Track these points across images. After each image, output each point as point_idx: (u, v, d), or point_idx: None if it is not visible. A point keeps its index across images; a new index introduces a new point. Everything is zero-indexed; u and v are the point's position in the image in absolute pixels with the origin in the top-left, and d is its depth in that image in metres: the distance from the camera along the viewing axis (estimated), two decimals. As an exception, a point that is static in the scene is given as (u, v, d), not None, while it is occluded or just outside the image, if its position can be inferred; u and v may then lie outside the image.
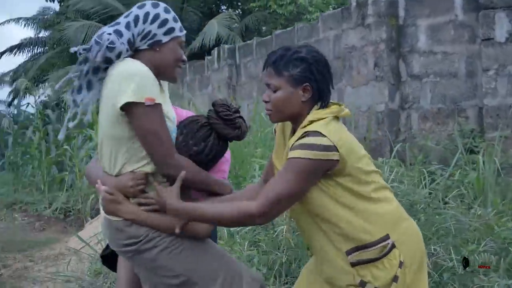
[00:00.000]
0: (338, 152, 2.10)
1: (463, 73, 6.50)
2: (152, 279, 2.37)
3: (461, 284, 3.43)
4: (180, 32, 2.39)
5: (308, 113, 2.22)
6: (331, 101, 2.28)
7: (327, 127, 2.14)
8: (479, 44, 6.36)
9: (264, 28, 18.16)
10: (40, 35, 24.11)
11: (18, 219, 10.32)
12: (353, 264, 2.19)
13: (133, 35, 2.31)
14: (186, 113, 2.61)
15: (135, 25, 2.32)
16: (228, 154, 2.62)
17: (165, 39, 2.35)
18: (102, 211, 2.40)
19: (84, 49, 2.34)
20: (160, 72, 2.33)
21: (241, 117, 2.51)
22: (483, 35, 6.29)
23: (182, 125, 2.44)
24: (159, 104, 2.25)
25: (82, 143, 10.67)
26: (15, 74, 23.80)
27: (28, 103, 15.05)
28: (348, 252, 2.19)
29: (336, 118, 2.22)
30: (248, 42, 9.95)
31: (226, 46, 10.13)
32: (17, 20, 23.48)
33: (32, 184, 13.08)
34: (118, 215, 2.31)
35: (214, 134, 2.44)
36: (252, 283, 2.39)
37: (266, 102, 2.26)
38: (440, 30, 6.65)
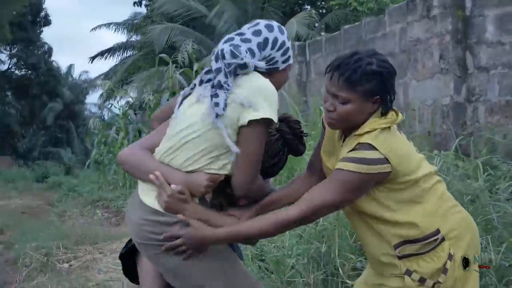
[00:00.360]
0: (390, 163, 2.14)
1: (533, 64, 6.27)
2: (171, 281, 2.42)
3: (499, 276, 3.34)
4: (292, 60, 2.46)
5: (365, 122, 2.25)
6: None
7: (378, 139, 2.17)
8: (550, 33, 6.12)
9: (345, 26, 18.08)
10: (131, 39, 25.09)
11: (99, 215, 10.79)
12: (399, 257, 2.23)
13: (260, 57, 2.34)
14: None
15: (264, 49, 2.34)
16: None
17: (281, 66, 2.40)
18: (142, 200, 2.36)
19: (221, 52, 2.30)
20: None
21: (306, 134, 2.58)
22: (553, 23, 6.05)
23: None
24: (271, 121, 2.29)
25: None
26: (106, 77, 24.81)
27: (111, 104, 15.73)
28: (396, 246, 2.23)
29: (390, 122, 2.24)
30: (317, 38, 9.97)
31: (297, 43, 10.18)
32: (108, 25, 24.50)
33: (115, 182, 13.64)
34: (182, 214, 2.28)
35: (285, 148, 2.50)
36: None
37: (330, 111, 2.25)
38: (508, 20, 6.43)
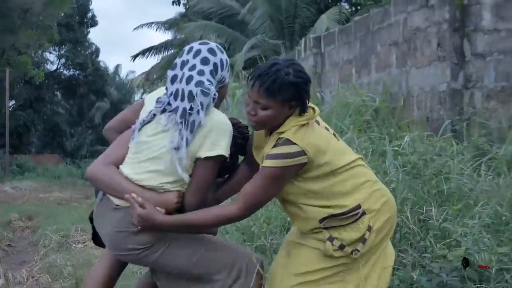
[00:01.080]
0: (307, 155, 2.48)
1: (528, 51, 6.43)
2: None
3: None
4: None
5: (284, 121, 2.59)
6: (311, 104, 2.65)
7: (297, 134, 2.51)
8: (544, 20, 6.27)
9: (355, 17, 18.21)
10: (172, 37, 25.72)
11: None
12: (324, 227, 2.59)
13: (215, 83, 2.68)
14: None
15: (216, 73, 2.66)
16: None
17: (227, 80, 2.78)
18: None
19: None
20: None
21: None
22: (546, 9, 6.20)
23: None
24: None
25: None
26: (148, 76, 25.52)
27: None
28: (321, 221, 2.58)
29: (309, 119, 2.58)
30: (331, 30, 10.22)
31: (312, 36, 10.47)
32: (149, 24, 25.20)
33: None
34: (154, 225, 2.57)
35: (238, 150, 2.88)
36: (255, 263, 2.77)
37: (252, 115, 2.57)
38: (504, 7, 6.61)
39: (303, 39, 10.98)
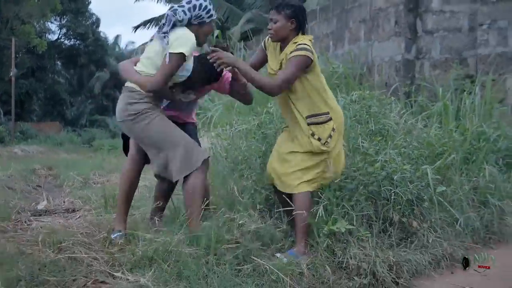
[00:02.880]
0: (313, 56, 4.19)
1: (466, 28, 8.09)
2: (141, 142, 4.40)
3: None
4: (213, 17, 4.38)
5: (292, 38, 4.28)
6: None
7: (307, 42, 4.23)
8: (479, 3, 7.88)
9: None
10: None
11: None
12: (308, 124, 4.31)
13: (191, 16, 4.24)
14: None
15: (194, 10, 4.25)
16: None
17: (207, 20, 4.34)
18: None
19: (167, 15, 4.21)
20: (199, 39, 4.25)
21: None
22: (480, -5, 7.83)
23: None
24: (183, 55, 4.08)
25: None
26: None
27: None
28: (307, 117, 4.31)
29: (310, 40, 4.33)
30: (313, 8, 11.81)
31: (297, 13, 12.06)
32: (151, -4, 26.57)
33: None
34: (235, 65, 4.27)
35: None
36: (204, 152, 4.41)
37: (270, 29, 4.30)
38: (449, -8, 8.24)
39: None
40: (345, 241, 4.41)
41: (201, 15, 4.30)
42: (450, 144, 5.87)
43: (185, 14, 4.25)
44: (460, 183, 5.51)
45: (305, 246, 4.31)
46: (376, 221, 4.67)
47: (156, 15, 24.25)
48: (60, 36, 40.07)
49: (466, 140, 6.10)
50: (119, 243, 4.38)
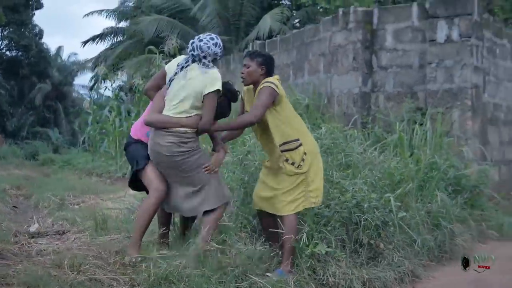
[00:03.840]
0: (278, 90, 5.02)
1: (416, 66, 9.12)
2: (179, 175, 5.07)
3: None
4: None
5: (261, 81, 5.10)
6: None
7: (272, 80, 5.05)
8: (428, 44, 8.93)
9: (314, 19, 20.80)
10: (120, 25, 27.64)
11: (93, 179, 13.50)
12: (282, 151, 5.11)
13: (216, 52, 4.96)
14: None
15: (216, 47, 4.89)
16: None
17: (218, 57, 5.03)
18: None
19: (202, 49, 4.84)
20: None
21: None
22: (429, 37, 8.87)
23: None
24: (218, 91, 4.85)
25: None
26: (97, 61, 27.39)
27: (106, 87, 18.34)
28: (280, 145, 5.12)
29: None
30: (273, 39, 12.73)
31: (258, 42, 12.97)
32: (100, 11, 27.04)
33: (107, 155, 16.37)
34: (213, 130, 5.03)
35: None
36: (229, 195, 5.20)
37: (242, 73, 5.15)
38: (402, 33, 9.27)
39: (250, 44, 13.41)
40: (323, 261, 5.25)
41: (216, 53, 4.99)
42: (407, 173, 6.82)
43: (211, 49, 4.93)
44: (416, 208, 6.44)
45: (291, 265, 5.13)
46: (348, 244, 5.54)
47: (100, 28, 24.73)
48: (1, 47, 39.84)
49: (420, 170, 7.08)
50: (131, 264, 5.10)
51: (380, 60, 9.39)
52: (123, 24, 27.18)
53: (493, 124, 9.78)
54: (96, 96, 22.16)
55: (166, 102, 4.99)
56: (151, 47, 14.25)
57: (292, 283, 4.92)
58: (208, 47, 4.87)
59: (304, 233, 5.27)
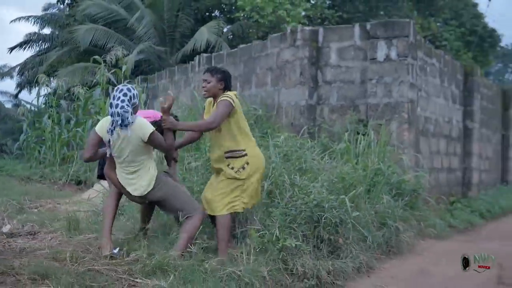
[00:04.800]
0: (233, 104, 5.75)
1: (358, 81, 10.07)
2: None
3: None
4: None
5: (221, 95, 5.85)
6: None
7: (228, 94, 5.80)
8: (368, 62, 9.91)
9: (248, 34, 21.71)
10: (44, 31, 27.59)
11: (37, 185, 13.73)
12: (226, 157, 5.84)
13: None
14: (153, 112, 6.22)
15: (131, 101, 5.56)
16: None
17: (137, 102, 5.74)
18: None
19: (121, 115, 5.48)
20: None
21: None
22: (370, 56, 9.85)
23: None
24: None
25: (92, 126, 14.14)
26: (24, 68, 27.28)
27: (39, 94, 18.40)
28: (226, 152, 5.86)
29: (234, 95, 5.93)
30: (220, 52, 13.49)
31: (205, 55, 13.68)
32: (27, 18, 26.94)
33: (44, 162, 16.52)
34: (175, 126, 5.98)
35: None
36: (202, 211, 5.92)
37: (204, 87, 5.91)
38: (345, 51, 10.21)
39: (197, 57, 14.08)
40: (291, 254, 6.02)
41: (135, 103, 5.68)
42: (356, 178, 7.71)
43: (129, 106, 5.58)
44: (366, 209, 7.32)
45: (226, 252, 5.86)
46: (312, 239, 6.34)
47: (22, 33, 24.63)
48: None
49: (367, 176, 7.98)
50: (119, 257, 5.74)
51: (325, 75, 10.29)
52: (47, 31, 27.23)
53: (424, 135, 10.86)
54: (22, 103, 22.20)
55: (115, 159, 5.77)
56: (96, 57, 14.64)
57: (266, 272, 5.65)
58: (125, 111, 5.46)
59: (276, 228, 6.04)
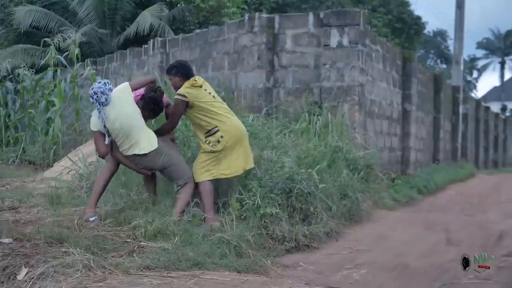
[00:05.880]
0: (187, 98, 6.54)
1: (312, 66, 10.92)
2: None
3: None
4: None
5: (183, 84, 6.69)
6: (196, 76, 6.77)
7: (182, 90, 6.62)
8: (322, 48, 10.76)
9: (188, 18, 22.27)
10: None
11: (-10, 166, 13.96)
12: (205, 136, 6.63)
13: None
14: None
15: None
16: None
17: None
18: None
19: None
20: None
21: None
22: (324, 42, 10.71)
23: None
24: None
25: (45, 107, 14.43)
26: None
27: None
28: (205, 133, 6.65)
29: (193, 85, 6.68)
30: (175, 36, 14.06)
31: (160, 39, 14.22)
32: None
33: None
34: None
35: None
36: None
37: (172, 85, 6.79)
38: (299, 38, 11.03)
39: (151, 41, 14.57)
40: (271, 220, 6.81)
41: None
42: (319, 154, 8.55)
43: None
44: (329, 182, 8.17)
45: (214, 217, 6.68)
46: (286, 208, 7.14)
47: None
48: None
49: (327, 152, 8.83)
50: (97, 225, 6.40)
51: (281, 60, 11.08)
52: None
53: (370, 117, 11.83)
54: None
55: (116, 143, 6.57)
56: (47, 39, 14.86)
57: (250, 237, 6.40)
58: (101, 90, 6.30)
59: (258, 198, 6.82)
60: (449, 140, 19.49)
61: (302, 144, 8.74)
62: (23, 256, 5.19)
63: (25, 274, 4.86)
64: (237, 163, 6.89)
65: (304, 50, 10.99)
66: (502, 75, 69.97)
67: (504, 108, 59.93)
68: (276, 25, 11.13)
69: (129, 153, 6.48)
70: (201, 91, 6.75)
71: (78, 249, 5.39)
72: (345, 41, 10.55)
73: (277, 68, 11.08)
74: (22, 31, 20.78)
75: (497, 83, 73.46)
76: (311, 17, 10.98)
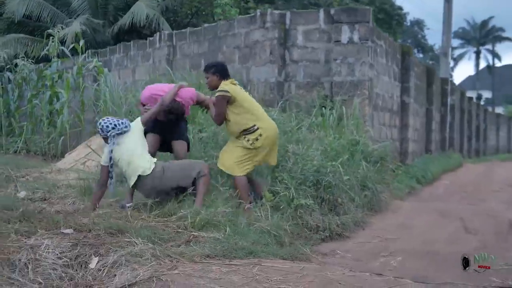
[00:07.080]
0: (229, 93, 6.97)
1: (323, 61, 11.38)
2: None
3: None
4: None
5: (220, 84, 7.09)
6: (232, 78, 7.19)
7: (225, 86, 7.03)
8: (333, 44, 11.22)
9: (181, 9, 22.56)
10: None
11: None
12: (242, 134, 7.07)
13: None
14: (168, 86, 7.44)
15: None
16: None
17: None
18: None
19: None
20: None
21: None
22: (334, 38, 11.17)
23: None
24: None
25: (49, 98, 14.71)
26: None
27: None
28: (241, 132, 7.08)
29: (231, 83, 7.13)
30: (182, 30, 14.36)
31: (166, 32, 14.52)
32: None
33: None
34: None
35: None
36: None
37: (207, 83, 7.22)
38: (310, 33, 11.48)
39: (157, 34, 14.87)
40: (304, 211, 7.27)
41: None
42: (339, 148, 9.03)
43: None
44: (350, 174, 8.67)
45: (249, 203, 7.12)
46: (315, 199, 7.61)
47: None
48: None
49: (345, 146, 9.32)
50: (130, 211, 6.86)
51: (292, 55, 11.52)
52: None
53: (375, 110, 12.35)
54: None
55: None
56: (50, 31, 15.11)
57: (287, 226, 6.86)
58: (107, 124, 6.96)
59: (293, 189, 7.29)
60: (438, 131, 20.13)
61: (323, 137, 9.20)
62: (90, 246, 5.49)
63: (97, 263, 5.20)
64: (266, 159, 7.35)
65: (315, 45, 11.44)
66: (477, 64, 71.34)
67: (479, 97, 61.13)
68: (287, 21, 11.55)
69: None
70: (241, 89, 7.16)
71: (140, 239, 5.76)
72: (356, 38, 11.02)
73: (288, 63, 11.52)
74: (16, 21, 20.86)
75: (472, 72, 74.73)
76: (321, 13, 11.43)
